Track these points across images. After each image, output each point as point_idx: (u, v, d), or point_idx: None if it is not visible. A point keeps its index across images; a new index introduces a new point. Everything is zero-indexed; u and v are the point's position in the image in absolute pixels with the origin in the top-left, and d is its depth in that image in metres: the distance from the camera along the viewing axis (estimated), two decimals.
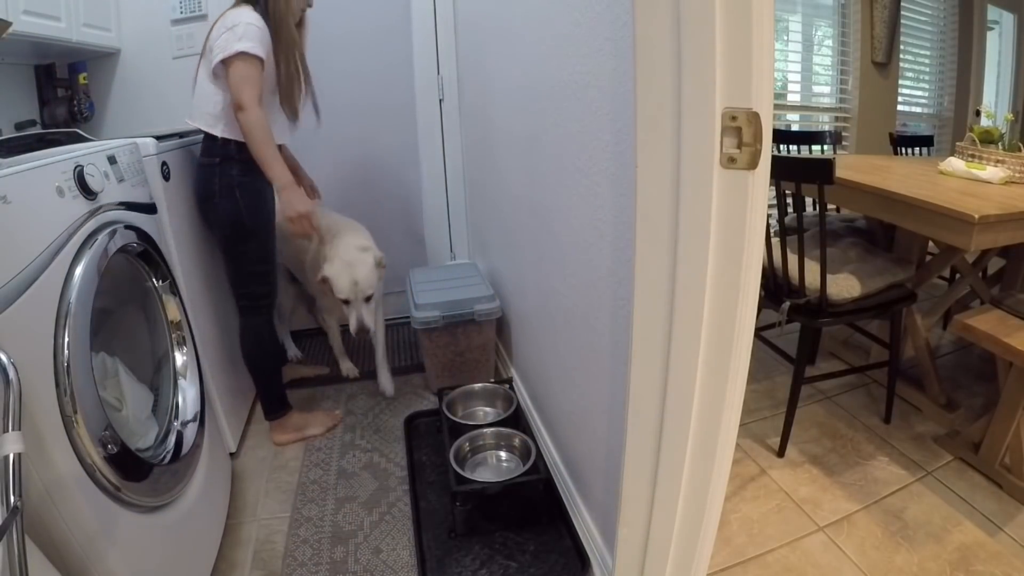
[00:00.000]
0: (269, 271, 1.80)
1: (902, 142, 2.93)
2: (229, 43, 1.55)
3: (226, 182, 1.66)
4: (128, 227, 1.21)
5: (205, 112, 1.65)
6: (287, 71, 1.68)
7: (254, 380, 1.89)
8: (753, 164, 0.76)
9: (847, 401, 2.07)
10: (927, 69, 4.01)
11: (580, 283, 1.29)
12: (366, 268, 1.87)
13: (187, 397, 1.37)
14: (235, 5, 1.64)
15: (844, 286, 1.67)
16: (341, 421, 2.01)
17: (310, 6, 1.76)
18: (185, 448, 1.27)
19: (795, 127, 3.50)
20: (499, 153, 1.96)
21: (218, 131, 1.63)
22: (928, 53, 3.96)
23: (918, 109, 4.03)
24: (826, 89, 3.61)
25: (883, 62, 3.50)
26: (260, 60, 1.58)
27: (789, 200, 1.78)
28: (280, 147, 1.92)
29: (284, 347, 2.37)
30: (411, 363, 2.41)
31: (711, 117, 0.75)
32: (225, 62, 1.55)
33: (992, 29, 4.06)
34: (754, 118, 0.74)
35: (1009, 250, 2.04)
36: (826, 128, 3.55)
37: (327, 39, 2.41)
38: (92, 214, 1.08)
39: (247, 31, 1.56)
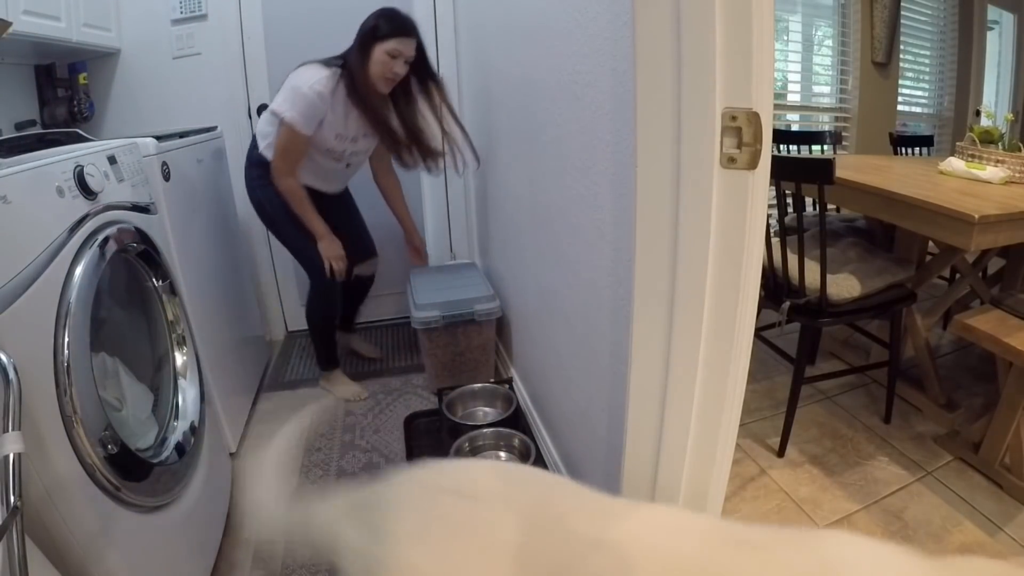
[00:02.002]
0: (303, 255, 1.99)
1: (902, 142, 2.93)
2: (285, 105, 1.75)
3: (250, 183, 1.96)
4: (128, 227, 1.21)
5: (262, 123, 1.91)
6: (332, 145, 1.87)
7: (310, 334, 2.17)
8: (753, 164, 0.76)
9: (847, 401, 2.07)
10: (927, 69, 4.01)
11: (580, 283, 1.29)
12: None
13: (187, 397, 1.37)
14: (323, 62, 1.81)
15: (844, 286, 1.67)
16: (363, 399, 2.14)
17: (396, 74, 1.80)
18: (185, 448, 1.27)
19: (795, 127, 3.50)
20: (499, 153, 1.96)
21: (259, 138, 1.91)
22: (928, 53, 3.96)
23: (918, 109, 4.03)
24: (826, 89, 3.61)
25: (883, 62, 3.50)
26: (302, 134, 1.77)
27: (789, 200, 1.78)
28: (397, 202, 2.26)
29: (339, 313, 2.26)
30: (411, 363, 2.41)
31: (711, 117, 0.75)
32: (280, 119, 1.77)
33: (992, 29, 4.06)
34: (754, 118, 0.74)
35: (1009, 250, 2.04)
36: (826, 128, 3.55)
37: (326, 38, 2.41)
38: (92, 214, 1.08)
39: (302, 104, 1.73)
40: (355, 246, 2.11)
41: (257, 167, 1.90)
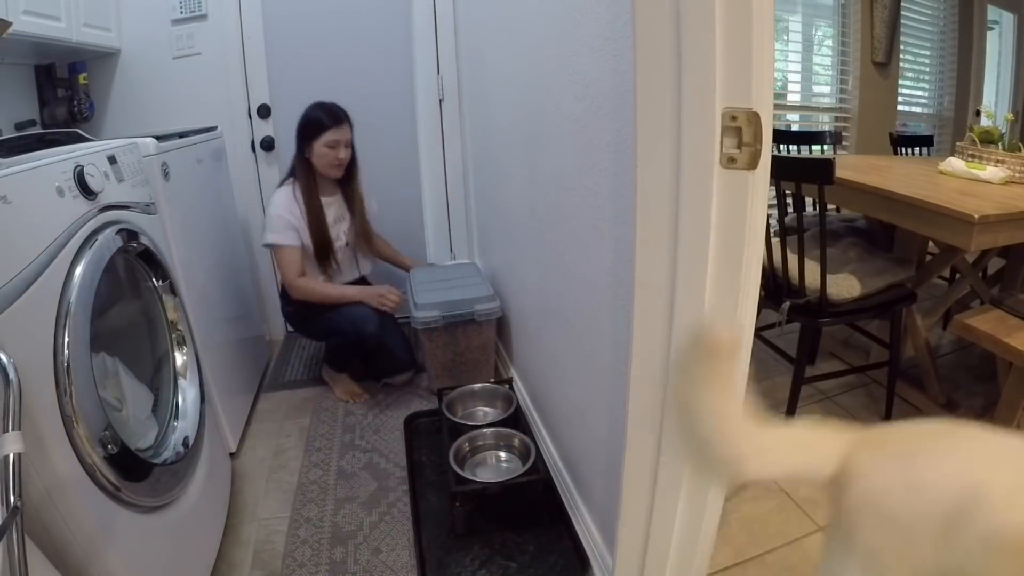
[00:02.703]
0: (345, 326, 2.01)
1: (902, 142, 2.93)
2: (266, 233, 1.95)
3: (283, 311, 2.19)
4: (128, 227, 1.21)
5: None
6: (319, 240, 1.99)
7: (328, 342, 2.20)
8: (753, 164, 0.76)
9: (847, 401, 2.07)
10: (927, 69, 4.01)
11: (580, 283, 1.29)
12: None
13: (187, 397, 1.37)
14: (282, 182, 2.02)
15: (844, 286, 1.67)
16: (363, 399, 2.14)
17: (341, 160, 1.97)
18: (185, 448, 1.27)
19: (795, 127, 3.50)
20: (499, 153, 1.96)
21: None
22: (928, 53, 3.96)
23: (918, 109, 4.03)
24: (826, 89, 3.61)
25: (883, 62, 3.50)
26: (287, 246, 1.93)
27: (789, 200, 1.78)
28: (390, 254, 2.40)
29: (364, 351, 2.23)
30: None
31: (711, 117, 0.75)
32: (269, 246, 1.98)
33: (992, 29, 4.06)
34: (754, 118, 0.74)
35: (1009, 250, 2.04)
36: (826, 128, 3.55)
37: (328, 37, 2.42)
38: (92, 214, 1.08)
39: (274, 224, 1.93)
40: (392, 354, 2.18)
41: (282, 297, 2.15)
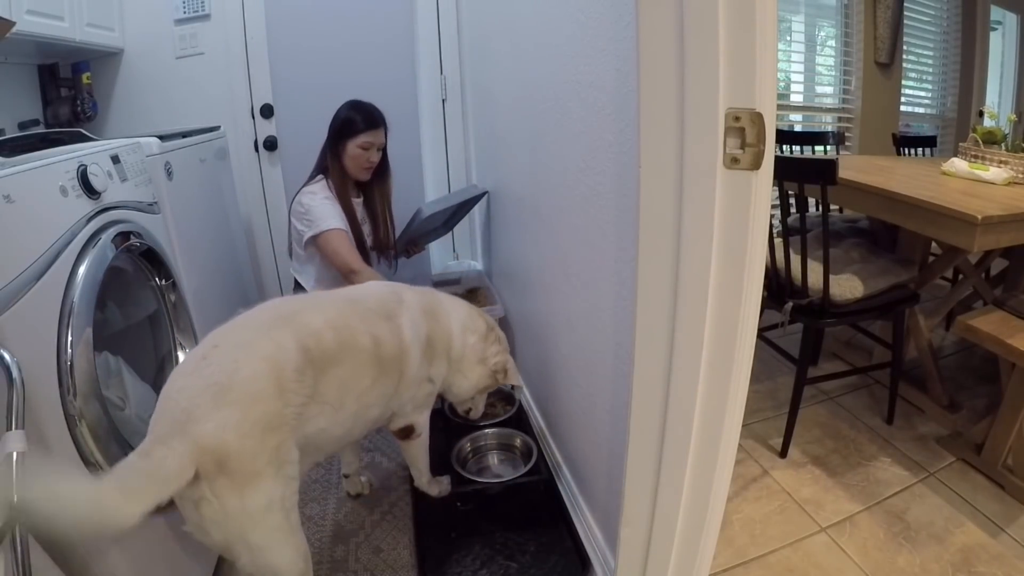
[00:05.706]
0: None
1: (905, 142, 2.93)
2: (310, 227, 1.81)
3: None
4: (131, 226, 1.21)
5: (297, 265, 1.96)
6: (355, 236, 1.91)
7: None
8: (756, 164, 0.76)
9: (849, 402, 2.07)
10: (930, 69, 4.00)
11: (582, 283, 1.29)
12: None
13: None
14: (311, 181, 1.91)
15: (847, 287, 1.67)
16: None
17: (372, 163, 1.92)
18: None
19: (798, 127, 3.49)
20: (501, 153, 1.96)
21: (304, 282, 1.94)
22: (931, 53, 3.95)
23: (921, 110, 4.02)
24: (829, 89, 3.60)
25: (886, 62, 3.50)
26: (345, 230, 1.83)
27: (792, 200, 1.78)
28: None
29: None
30: None
31: (714, 117, 0.75)
32: (316, 239, 1.81)
33: (995, 29, 4.05)
34: (757, 118, 0.74)
35: (1012, 251, 2.04)
36: (829, 128, 3.54)
37: (331, 37, 2.42)
38: (95, 214, 1.08)
39: (319, 212, 1.82)
40: None
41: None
